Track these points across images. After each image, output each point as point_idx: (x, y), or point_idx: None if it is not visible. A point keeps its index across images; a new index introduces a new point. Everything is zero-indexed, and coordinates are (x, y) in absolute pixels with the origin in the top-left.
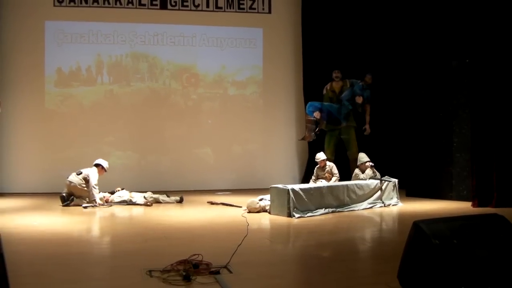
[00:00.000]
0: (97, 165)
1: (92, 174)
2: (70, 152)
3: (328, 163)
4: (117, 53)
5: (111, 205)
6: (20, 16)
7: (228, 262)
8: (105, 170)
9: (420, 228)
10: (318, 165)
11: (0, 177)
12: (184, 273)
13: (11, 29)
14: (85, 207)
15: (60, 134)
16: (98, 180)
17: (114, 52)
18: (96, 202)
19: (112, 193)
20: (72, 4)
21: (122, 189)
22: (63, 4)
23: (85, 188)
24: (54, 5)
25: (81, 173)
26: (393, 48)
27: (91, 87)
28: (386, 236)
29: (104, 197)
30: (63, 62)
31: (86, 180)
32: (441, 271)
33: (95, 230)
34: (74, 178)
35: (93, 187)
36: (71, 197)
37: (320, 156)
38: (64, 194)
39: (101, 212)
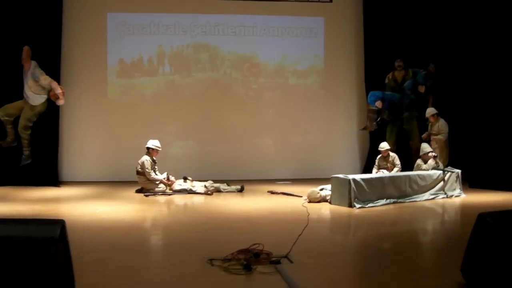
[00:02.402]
0: (147, 149)
1: (145, 161)
2: (132, 141)
3: (391, 153)
4: (178, 43)
5: (171, 194)
6: (83, 8)
7: (289, 252)
8: (157, 150)
9: (485, 220)
10: (381, 155)
11: (64, 166)
12: (245, 262)
13: (75, 21)
14: (146, 195)
15: (122, 124)
16: (159, 163)
17: (175, 43)
18: (161, 181)
19: (185, 179)
20: None
21: (192, 180)
22: None
23: (144, 181)
24: None
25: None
26: (456, 36)
27: (152, 78)
28: (448, 228)
29: (169, 177)
30: (125, 53)
31: (140, 172)
32: (507, 265)
33: (156, 219)
34: None
35: (149, 173)
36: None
37: (384, 145)
38: None
39: (162, 200)
